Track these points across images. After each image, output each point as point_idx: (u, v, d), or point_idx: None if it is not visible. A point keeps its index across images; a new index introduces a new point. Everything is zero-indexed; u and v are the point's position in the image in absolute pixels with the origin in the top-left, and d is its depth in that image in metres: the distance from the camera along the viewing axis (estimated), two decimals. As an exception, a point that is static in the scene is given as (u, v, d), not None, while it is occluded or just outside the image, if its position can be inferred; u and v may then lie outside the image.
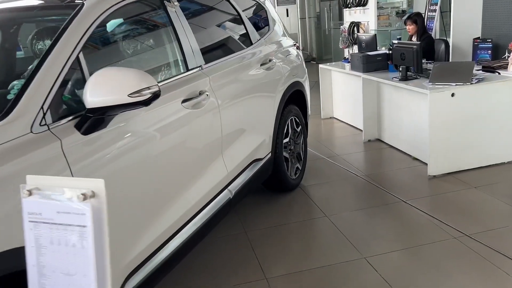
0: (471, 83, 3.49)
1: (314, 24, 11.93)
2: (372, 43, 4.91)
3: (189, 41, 2.36)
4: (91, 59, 1.83)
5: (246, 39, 3.07)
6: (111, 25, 2.05)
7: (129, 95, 1.58)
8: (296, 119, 3.61)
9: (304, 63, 3.93)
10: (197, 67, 2.36)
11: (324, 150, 4.54)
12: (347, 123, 5.46)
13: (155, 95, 1.65)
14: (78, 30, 1.76)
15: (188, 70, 2.30)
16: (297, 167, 3.65)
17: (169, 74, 2.24)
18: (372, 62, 4.49)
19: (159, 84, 2.04)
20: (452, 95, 3.47)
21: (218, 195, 2.42)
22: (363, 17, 7.33)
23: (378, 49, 5.08)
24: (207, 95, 2.28)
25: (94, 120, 1.60)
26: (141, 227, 1.85)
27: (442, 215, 2.96)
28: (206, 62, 2.47)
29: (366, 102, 4.59)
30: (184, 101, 2.12)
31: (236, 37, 3.02)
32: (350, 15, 7.73)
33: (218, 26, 2.92)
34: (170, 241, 2.03)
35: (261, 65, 3.03)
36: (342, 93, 5.46)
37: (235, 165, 2.59)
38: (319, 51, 11.86)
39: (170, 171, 2.02)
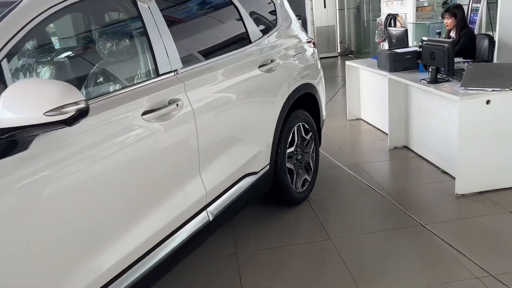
0: (511, 89, 2.97)
1: (353, 16, 11.33)
2: (403, 39, 4.41)
3: (163, 41, 2.06)
4: (26, 67, 1.57)
5: (243, 38, 2.72)
6: (59, 24, 1.78)
7: (46, 113, 1.30)
8: (306, 125, 3.24)
9: (319, 62, 3.54)
10: (170, 71, 2.05)
11: (343, 157, 4.13)
12: (374, 126, 4.99)
13: (81, 113, 1.36)
14: (7, 30, 1.50)
15: (158, 75, 2.00)
16: (305, 179, 3.28)
17: (130, 81, 1.95)
18: (401, 61, 4.01)
19: (117, 93, 1.78)
20: (487, 102, 2.97)
21: (193, 219, 2.11)
22: (401, 9, 6.75)
23: (411, 45, 4.58)
24: (177, 105, 1.96)
25: (6, 143, 1.34)
26: (82, 260, 1.58)
27: (465, 246, 2.51)
28: (185, 65, 2.16)
29: (392, 104, 4.12)
30: (145, 113, 1.82)
31: (230, 35, 2.68)
32: (387, 7, 7.16)
33: (208, 23, 2.59)
34: (126, 273, 1.75)
35: (260, 66, 2.68)
36: (370, 93, 4.99)
37: (217, 183, 2.27)
38: (358, 44, 11.27)
39: (120, 196, 1.73)
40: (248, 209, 3.22)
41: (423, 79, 3.56)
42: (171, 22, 2.22)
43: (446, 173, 3.52)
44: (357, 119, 5.37)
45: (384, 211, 3.06)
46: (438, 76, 3.45)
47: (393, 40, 4.57)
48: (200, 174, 2.15)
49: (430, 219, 2.86)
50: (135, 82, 1.93)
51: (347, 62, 5.20)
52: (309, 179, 3.32)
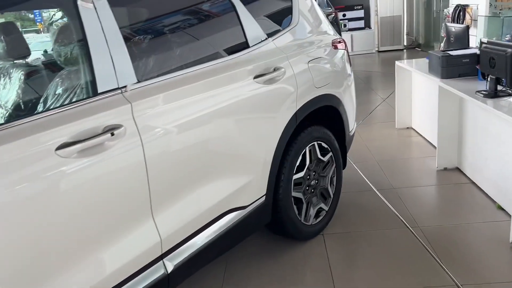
0: None
1: (422, 5, 10.27)
2: (463, 38, 3.65)
3: (110, 50, 1.64)
4: None
5: (238, 41, 2.23)
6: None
7: None
8: (324, 144, 2.69)
9: (348, 67, 2.95)
10: (114, 89, 1.63)
11: (379, 177, 3.50)
12: (425, 139, 4.27)
13: None
14: None
15: (96, 94, 1.58)
16: (321, 208, 2.75)
17: (52, 104, 1.54)
18: (455, 66, 3.29)
19: (24, 121, 1.39)
20: (561, 129, 2.24)
21: (142, 272, 1.70)
22: (472, -1, 5.82)
23: (474, 46, 3.80)
24: (112, 134, 1.53)
25: None
26: None
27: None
28: (143, 79, 1.73)
29: (443, 117, 3.42)
30: (59, 148, 1.41)
31: (219, 38, 2.19)
32: (457, -4, 6.23)
33: (190, 23, 2.12)
34: None
35: (257, 77, 2.17)
36: (422, 99, 4.26)
37: (181, 225, 1.83)
38: (427, 36, 10.22)
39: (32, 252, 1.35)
40: (250, 237, 2.76)
41: (479, 91, 2.85)
42: (132, 25, 1.80)
43: (502, 209, 2.81)
44: (407, 128, 4.66)
45: (413, 259, 2.45)
46: (499, 89, 2.73)
47: (451, 39, 3.81)
48: (153, 218, 1.72)
49: (473, 278, 2.22)
50: (60, 104, 1.53)
51: (397, 63, 4.49)
52: (326, 209, 2.78)
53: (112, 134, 1.52)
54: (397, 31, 10.54)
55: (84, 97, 1.57)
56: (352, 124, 3.01)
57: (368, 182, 3.43)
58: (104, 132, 1.51)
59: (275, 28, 2.48)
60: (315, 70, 2.55)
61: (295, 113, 2.39)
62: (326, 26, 2.90)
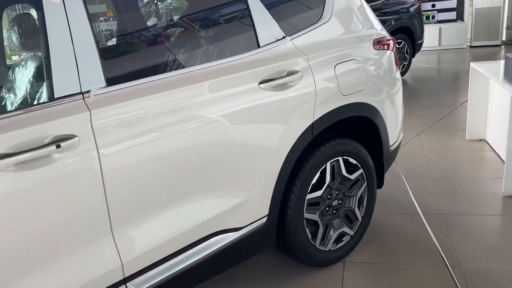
0: None
1: (528, -5, 9.01)
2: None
3: (75, 50, 1.47)
4: None
5: (244, 40, 1.96)
6: None
7: None
8: (352, 160, 2.33)
9: (395, 71, 2.53)
10: (75, 94, 1.46)
11: (429, 199, 3.03)
12: (498, 155, 3.65)
13: None
14: None
15: (52, 99, 1.43)
16: (344, 233, 2.40)
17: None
18: (536, 73, 2.69)
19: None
20: None
21: (97, 297, 1.54)
22: None
23: None
24: (57, 146, 1.35)
25: None
26: None
27: None
28: (111, 83, 1.54)
29: (515, 135, 2.84)
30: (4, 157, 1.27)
31: (218, 36, 1.93)
32: None
33: (180, 18, 1.89)
34: None
35: (263, 82, 1.89)
36: (498, 109, 3.63)
37: (152, 246, 1.63)
38: (530, 31, 8.96)
39: None
40: (260, 255, 2.50)
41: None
42: (106, 20, 1.61)
43: None
44: (480, 140, 4.03)
45: (444, 307, 2.03)
46: None
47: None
48: (113, 237, 1.54)
49: None
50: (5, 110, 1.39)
51: (471, 64, 3.87)
52: (350, 233, 2.42)
53: (58, 146, 1.36)
54: (494, 24, 9.39)
55: (38, 102, 1.42)
56: (394, 138, 2.59)
57: (415, 203, 2.98)
58: (50, 143, 1.35)
59: (298, 25, 2.16)
60: (344, 74, 2.18)
61: (312, 124, 2.07)
62: (371, 22, 2.50)
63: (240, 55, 1.91)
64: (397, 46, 7.07)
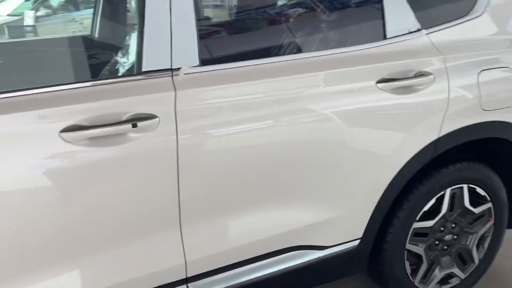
0: None
1: None
2: None
3: (171, 21, 1.31)
4: None
5: (368, 28, 1.64)
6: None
7: None
8: (480, 190, 1.90)
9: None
10: (163, 70, 1.30)
11: None
12: None
13: None
14: None
15: (139, 72, 1.28)
16: (452, 274, 1.99)
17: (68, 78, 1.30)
18: None
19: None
20: None
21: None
22: None
23: None
24: (134, 125, 1.21)
25: None
26: None
27: None
28: (205, 63, 1.35)
29: None
30: (65, 130, 1.17)
31: (337, 21, 1.63)
32: None
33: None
34: None
35: (382, 81, 1.56)
36: None
37: (215, 249, 1.45)
38: None
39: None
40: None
41: None
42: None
43: None
44: None
45: None
46: None
47: None
48: (180, 231, 1.38)
49: None
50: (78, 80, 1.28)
51: None
52: (461, 276, 2.00)
53: (135, 125, 1.22)
54: None
55: (123, 73, 1.30)
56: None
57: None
58: (127, 121, 1.22)
59: (440, 17, 1.76)
60: (489, 84, 1.74)
61: (436, 141, 1.68)
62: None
63: (361, 45, 1.59)
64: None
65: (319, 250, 1.65)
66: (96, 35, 1.84)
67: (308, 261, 1.63)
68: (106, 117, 1.21)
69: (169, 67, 1.31)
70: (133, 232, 1.32)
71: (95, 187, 1.24)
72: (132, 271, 1.37)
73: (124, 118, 1.22)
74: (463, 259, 2.00)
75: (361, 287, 2.14)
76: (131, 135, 1.23)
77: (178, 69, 1.31)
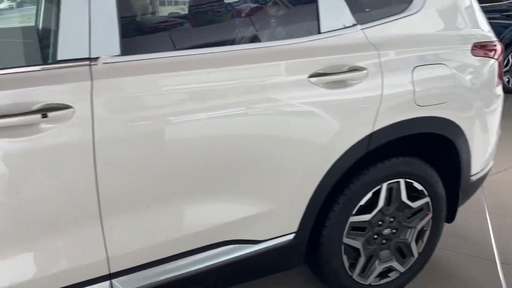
0: None
1: None
2: None
3: (90, 9, 1.27)
4: None
5: (302, 22, 1.64)
6: None
7: None
8: (418, 185, 1.92)
9: (496, 85, 2.04)
10: (81, 59, 1.26)
11: (514, 245, 2.48)
12: None
13: None
14: None
15: (55, 61, 1.24)
16: (391, 268, 2.01)
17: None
18: None
19: None
20: None
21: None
22: None
23: None
24: (44, 116, 1.17)
25: None
26: None
27: None
28: (126, 53, 1.32)
29: None
30: None
31: (270, 15, 1.62)
32: None
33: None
34: None
35: (314, 75, 1.56)
36: None
37: (140, 245, 1.42)
38: None
39: None
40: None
41: None
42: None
43: None
44: None
45: None
46: None
47: None
48: (101, 225, 1.35)
49: None
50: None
51: None
52: (400, 270, 2.03)
53: (44, 116, 1.18)
54: None
55: (38, 62, 1.25)
56: (479, 166, 2.10)
57: (494, 247, 2.45)
58: (35, 111, 1.18)
59: (377, 12, 1.78)
60: (424, 80, 1.76)
61: (370, 135, 1.69)
62: (476, 20, 2.01)
63: (294, 39, 1.59)
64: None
65: (253, 244, 1.64)
66: (35, 25, 1.78)
67: (241, 255, 1.62)
68: (15, 107, 1.16)
69: (87, 56, 1.27)
70: (50, 227, 1.28)
71: (4, 180, 1.19)
72: (51, 267, 1.33)
73: (34, 108, 1.18)
74: (402, 252, 2.03)
75: (308, 281, 2.15)
76: (43, 126, 1.19)
77: (97, 58, 1.28)
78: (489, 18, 2.15)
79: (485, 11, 2.16)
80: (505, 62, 6.02)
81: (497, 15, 5.86)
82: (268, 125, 1.51)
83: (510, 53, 6.00)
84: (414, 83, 1.74)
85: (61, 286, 1.35)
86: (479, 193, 3.10)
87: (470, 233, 2.60)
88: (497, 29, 5.43)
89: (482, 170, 2.16)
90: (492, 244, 2.49)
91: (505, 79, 6.18)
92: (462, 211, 2.75)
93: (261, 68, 1.49)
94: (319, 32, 1.63)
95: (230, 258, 1.60)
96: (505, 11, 5.87)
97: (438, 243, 2.13)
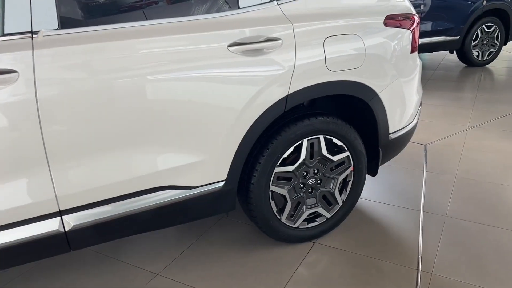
0: None
1: None
2: None
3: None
4: None
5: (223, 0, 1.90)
6: None
7: None
8: (337, 141, 2.22)
9: (410, 54, 2.31)
10: (24, 32, 1.54)
11: (440, 199, 2.78)
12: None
13: None
14: None
15: (1, 34, 1.53)
16: (318, 213, 2.32)
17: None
18: None
19: None
20: None
21: (35, 221, 1.68)
22: None
23: None
24: None
25: None
26: None
27: None
28: (64, 26, 1.60)
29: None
30: None
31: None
32: None
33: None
34: None
35: (233, 45, 1.84)
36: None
37: (84, 186, 1.72)
38: None
39: None
40: (235, 222, 2.53)
41: None
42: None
43: None
44: (535, 146, 3.55)
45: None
46: None
47: None
48: (49, 168, 1.64)
49: None
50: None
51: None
52: (327, 215, 2.34)
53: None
54: None
55: (-11, 35, 1.53)
56: (397, 125, 2.39)
57: (421, 199, 2.76)
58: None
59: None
60: (334, 48, 2.03)
61: (286, 97, 1.98)
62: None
63: (216, 14, 1.87)
64: (487, 30, 6.34)
65: (186, 189, 1.94)
66: None
67: (177, 198, 1.93)
68: None
69: (30, 30, 1.55)
70: (4, 171, 1.58)
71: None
72: (5, 202, 1.61)
73: None
74: (328, 200, 2.33)
75: (253, 231, 2.45)
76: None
77: (38, 32, 1.55)
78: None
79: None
80: (474, 36, 6.24)
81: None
82: (193, 88, 1.80)
83: (478, 28, 6.22)
84: (325, 51, 2.02)
85: (18, 220, 1.65)
86: (421, 155, 3.41)
87: (404, 188, 2.90)
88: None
89: (402, 129, 2.44)
90: (420, 197, 2.79)
91: (475, 53, 6.41)
92: (404, 171, 3.09)
93: (187, 39, 1.76)
94: (238, 7, 1.90)
95: (167, 201, 1.91)
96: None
97: (374, 197, 2.42)
